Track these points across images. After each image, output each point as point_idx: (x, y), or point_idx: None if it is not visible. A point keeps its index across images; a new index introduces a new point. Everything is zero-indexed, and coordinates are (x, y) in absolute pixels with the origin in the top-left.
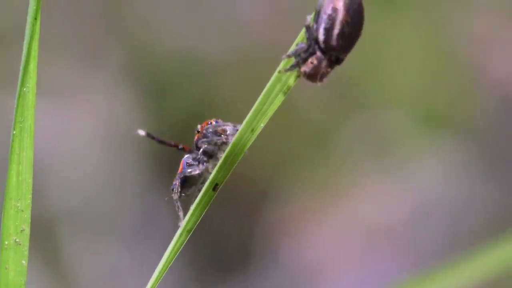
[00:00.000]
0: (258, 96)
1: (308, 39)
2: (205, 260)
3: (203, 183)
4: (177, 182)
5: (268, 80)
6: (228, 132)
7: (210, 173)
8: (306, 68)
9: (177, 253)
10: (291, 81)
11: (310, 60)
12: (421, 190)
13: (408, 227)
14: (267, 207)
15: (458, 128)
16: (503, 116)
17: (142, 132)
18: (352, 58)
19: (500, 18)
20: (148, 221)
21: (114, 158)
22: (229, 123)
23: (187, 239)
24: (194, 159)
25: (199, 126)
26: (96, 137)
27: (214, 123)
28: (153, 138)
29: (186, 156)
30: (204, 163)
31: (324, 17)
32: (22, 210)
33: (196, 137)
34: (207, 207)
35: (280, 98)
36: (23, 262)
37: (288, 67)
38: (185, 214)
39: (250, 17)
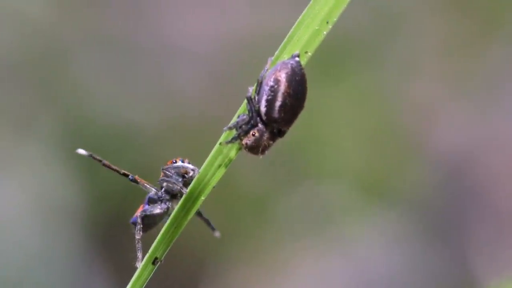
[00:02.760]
0: (199, 168)
1: (249, 110)
2: None
3: (164, 221)
4: (138, 219)
5: (208, 152)
6: (190, 173)
7: (170, 214)
8: (247, 140)
9: None
10: (233, 153)
11: (251, 132)
12: (362, 261)
13: None
14: (205, 279)
15: (400, 199)
16: (445, 187)
17: (82, 152)
18: (293, 127)
19: (443, 88)
20: None
21: (47, 230)
22: (190, 165)
23: None
24: (157, 197)
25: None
26: (29, 209)
27: (179, 162)
28: (98, 160)
29: (150, 193)
30: (166, 202)
31: (266, 88)
32: None
33: (161, 175)
34: (147, 282)
35: (222, 171)
36: None
37: (229, 139)
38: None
39: (187, 88)
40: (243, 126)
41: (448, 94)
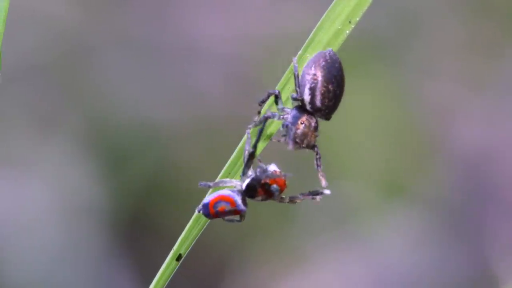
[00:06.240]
0: (221, 163)
1: (294, 96)
2: None
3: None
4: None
5: (229, 148)
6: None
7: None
8: (296, 130)
9: None
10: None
11: (299, 121)
12: (382, 259)
13: None
14: (227, 276)
15: (419, 198)
16: (465, 186)
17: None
18: None
19: (463, 89)
20: None
21: (71, 228)
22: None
23: None
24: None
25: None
26: (53, 207)
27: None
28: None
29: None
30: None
31: (308, 78)
32: None
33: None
34: (170, 277)
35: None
36: None
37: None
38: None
39: (210, 89)
40: (289, 118)
41: (467, 94)
